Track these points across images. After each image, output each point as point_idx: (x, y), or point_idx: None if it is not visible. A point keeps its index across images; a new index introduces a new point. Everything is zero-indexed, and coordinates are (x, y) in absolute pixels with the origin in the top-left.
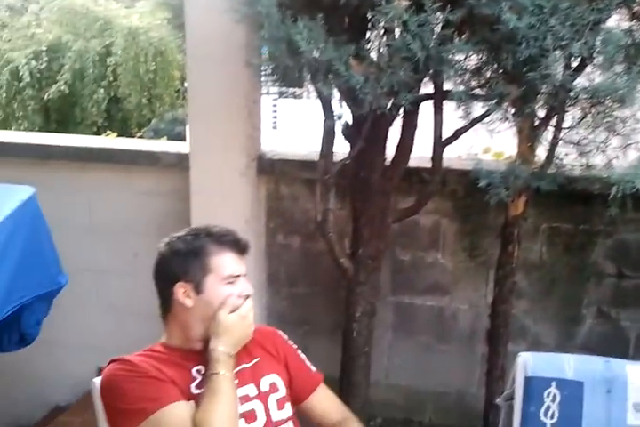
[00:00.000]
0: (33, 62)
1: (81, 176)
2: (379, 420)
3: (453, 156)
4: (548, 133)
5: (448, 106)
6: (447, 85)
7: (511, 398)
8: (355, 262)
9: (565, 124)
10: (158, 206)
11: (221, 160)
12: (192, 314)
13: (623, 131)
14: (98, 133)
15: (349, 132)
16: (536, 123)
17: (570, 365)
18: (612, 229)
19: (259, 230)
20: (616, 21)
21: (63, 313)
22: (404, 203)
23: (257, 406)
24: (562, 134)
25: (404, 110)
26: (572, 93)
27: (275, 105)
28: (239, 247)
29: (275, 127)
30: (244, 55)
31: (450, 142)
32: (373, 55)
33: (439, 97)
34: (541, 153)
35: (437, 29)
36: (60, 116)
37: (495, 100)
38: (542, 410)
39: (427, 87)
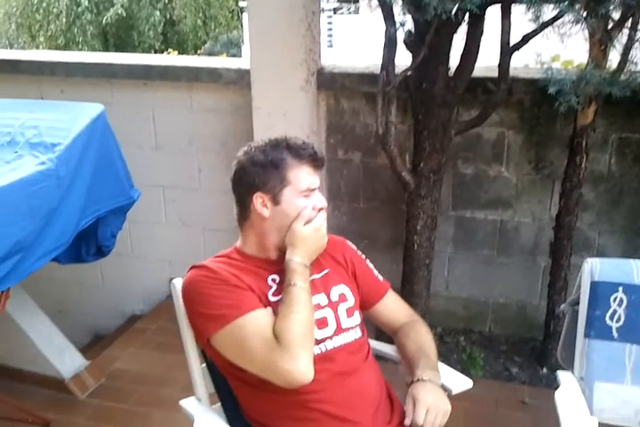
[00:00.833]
0: None
1: (144, 94)
2: (439, 329)
3: (520, 65)
4: (623, 36)
5: (517, 9)
6: None
7: (576, 303)
8: (416, 176)
9: None
10: (220, 123)
11: (282, 75)
12: (268, 223)
13: None
14: None
15: (412, 41)
16: (610, 25)
17: (638, 270)
18: None
19: (319, 146)
20: None
21: (136, 228)
22: (467, 115)
23: (328, 313)
24: (637, 37)
25: (470, 15)
26: None
27: (330, 23)
28: (317, 161)
29: (330, 46)
30: None
31: (518, 48)
32: None
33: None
34: (614, 58)
35: None
36: (118, 40)
37: (567, 2)
38: (608, 314)
39: None
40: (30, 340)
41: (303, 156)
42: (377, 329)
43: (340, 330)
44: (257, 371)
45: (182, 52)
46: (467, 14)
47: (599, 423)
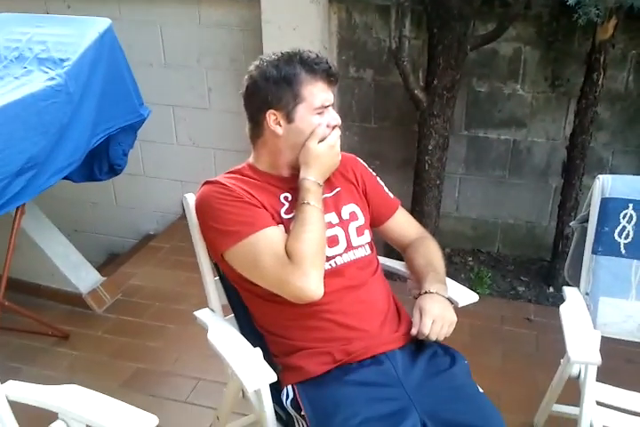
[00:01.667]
0: None
1: (152, 9)
2: (447, 250)
3: None
4: None
5: None
6: None
7: (586, 220)
8: (429, 94)
9: None
10: (229, 39)
11: None
12: (282, 141)
13: None
14: None
15: None
16: None
17: None
18: None
19: (331, 62)
20: None
21: (147, 148)
22: (483, 29)
23: (338, 232)
24: None
25: None
26: None
27: None
28: (331, 76)
29: None
30: None
31: None
32: None
33: None
34: None
35: None
36: None
37: None
38: (617, 230)
39: None
40: (47, 256)
41: (317, 71)
42: (386, 247)
43: (350, 248)
44: (268, 286)
45: None
46: None
47: (602, 337)
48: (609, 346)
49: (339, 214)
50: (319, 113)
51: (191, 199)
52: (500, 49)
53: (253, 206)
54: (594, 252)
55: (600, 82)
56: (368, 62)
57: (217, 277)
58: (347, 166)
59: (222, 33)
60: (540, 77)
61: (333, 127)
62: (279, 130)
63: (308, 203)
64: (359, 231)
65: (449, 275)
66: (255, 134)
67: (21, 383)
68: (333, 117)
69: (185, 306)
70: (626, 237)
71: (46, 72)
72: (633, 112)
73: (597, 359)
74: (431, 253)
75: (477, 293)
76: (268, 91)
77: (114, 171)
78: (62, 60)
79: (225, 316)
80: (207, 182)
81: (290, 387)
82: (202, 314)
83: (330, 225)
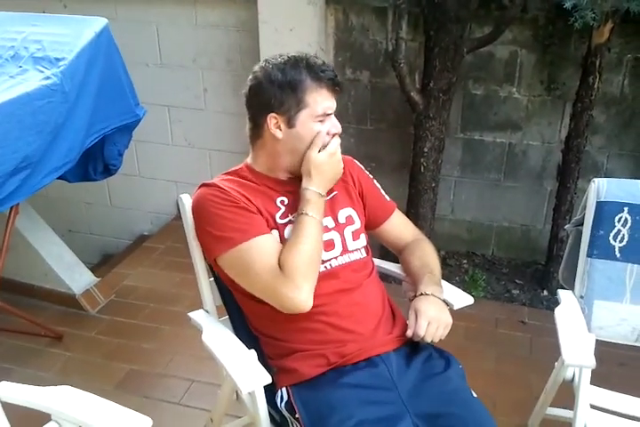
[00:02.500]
0: None
1: (148, 9)
2: (442, 253)
3: None
4: None
5: None
6: None
7: (581, 223)
8: (425, 96)
9: None
10: (226, 40)
11: None
12: (281, 145)
13: None
14: None
15: None
16: None
17: None
18: None
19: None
20: None
21: (143, 148)
22: (480, 32)
23: (334, 236)
24: None
25: None
26: None
27: None
28: (336, 85)
29: None
30: None
31: None
32: None
33: None
34: None
35: None
36: None
37: None
38: (612, 234)
39: None
40: (41, 256)
41: (323, 78)
42: (382, 250)
43: (345, 251)
44: (258, 294)
45: None
46: None
47: (597, 340)
48: (602, 350)
49: (335, 218)
50: (320, 120)
51: (187, 200)
52: (496, 52)
53: (249, 212)
54: (589, 255)
55: (596, 85)
56: (364, 64)
57: (212, 279)
58: (344, 168)
59: (218, 33)
60: (536, 81)
61: (333, 135)
62: (279, 134)
63: (307, 214)
64: (355, 235)
65: (443, 277)
66: (255, 135)
67: (14, 384)
68: (334, 125)
69: (179, 307)
70: (621, 241)
71: (42, 71)
72: (628, 116)
73: (592, 362)
74: (427, 256)
75: (472, 295)
76: (272, 94)
77: (109, 171)
78: (58, 60)
79: (219, 317)
80: (204, 185)
81: (284, 389)
82: (196, 315)
83: (326, 229)
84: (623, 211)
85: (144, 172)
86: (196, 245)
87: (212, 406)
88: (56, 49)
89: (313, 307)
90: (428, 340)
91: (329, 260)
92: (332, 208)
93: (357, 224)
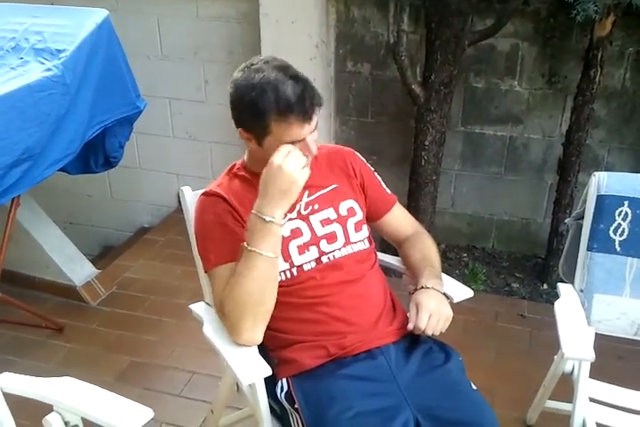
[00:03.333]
0: None
1: (149, 1)
2: (442, 246)
3: None
4: None
5: None
6: None
7: (581, 217)
8: (426, 89)
9: None
10: (227, 32)
11: None
12: (257, 152)
13: None
14: None
15: None
16: None
17: None
18: None
19: (328, 56)
20: None
21: (143, 140)
22: (481, 25)
23: (337, 228)
24: None
25: None
26: None
27: None
28: (306, 114)
29: None
30: None
31: None
32: None
33: None
34: None
35: None
36: None
37: None
38: (612, 228)
39: None
40: (41, 248)
41: (291, 113)
42: (382, 243)
43: (348, 242)
44: None
45: None
46: None
47: (596, 334)
48: (601, 343)
49: (337, 210)
50: (292, 142)
51: (188, 192)
52: (497, 45)
53: (229, 234)
54: (589, 249)
55: (597, 79)
56: (366, 56)
57: None
58: (345, 160)
59: (220, 25)
60: (537, 74)
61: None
62: (251, 145)
63: (246, 247)
64: (357, 227)
65: (444, 271)
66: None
67: (16, 375)
68: (307, 148)
69: (180, 299)
70: (621, 235)
71: (43, 63)
72: (629, 110)
73: (591, 356)
74: (427, 249)
75: (471, 289)
76: (240, 113)
77: (109, 163)
78: (59, 51)
79: None
80: (205, 194)
81: (284, 380)
82: (197, 308)
83: (328, 221)
84: (623, 205)
85: (145, 164)
86: None
87: (212, 398)
88: (57, 40)
89: (316, 298)
90: (429, 333)
91: (332, 251)
92: (333, 200)
93: (359, 216)
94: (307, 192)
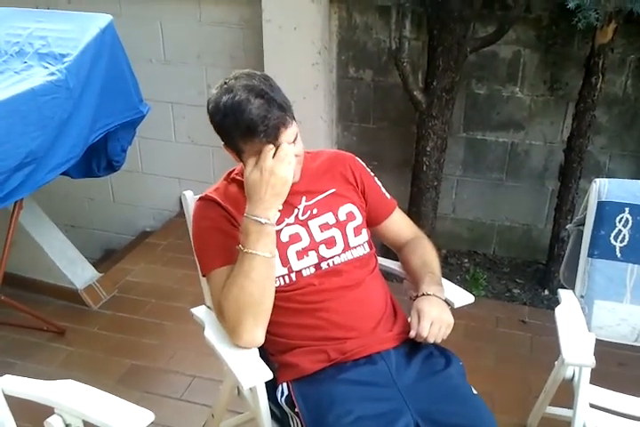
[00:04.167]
0: None
1: (152, 5)
2: (443, 251)
3: None
4: None
5: None
6: None
7: (582, 223)
8: (428, 95)
9: None
10: (229, 37)
11: None
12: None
13: None
14: None
15: None
16: None
17: None
18: None
19: (331, 62)
20: None
21: (146, 145)
22: (483, 32)
23: (335, 233)
24: None
25: None
26: None
27: None
28: (270, 136)
29: None
30: None
31: None
32: None
33: None
34: None
35: None
36: None
37: None
38: (613, 234)
39: None
40: (43, 251)
41: (254, 136)
42: (382, 248)
43: (347, 248)
44: None
45: None
46: None
47: (596, 340)
48: (601, 349)
49: (336, 215)
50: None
51: (190, 196)
52: (499, 52)
53: (225, 238)
54: (589, 255)
55: (598, 86)
56: (368, 63)
57: None
58: (345, 165)
59: (222, 31)
60: (539, 80)
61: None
62: (236, 158)
63: (241, 249)
64: (357, 231)
65: (445, 276)
66: None
67: (18, 378)
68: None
69: (181, 303)
70: (621, 241)
71: (47, 67)
72: (630, 116)
73: (591, 362)
74: (427, 255)
75: (473, 294)
76: (217, 129)
77: (112, 167)
78: (63, 56)
79: None
80: (201, 198)
81: (285, 384)
82: (198, 311)
83: (327, 226)
84: (624, 211)
85: (147, 168)
86: None
87: (213, 401)
88: (61, 45)
89: (316, 303)
90: (431, 340)
91: (331, 257)
92: (332, 205)
93: (359, 220)
94: (304, 197)
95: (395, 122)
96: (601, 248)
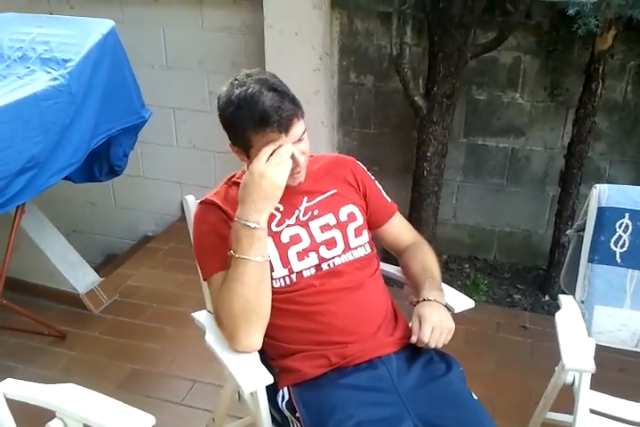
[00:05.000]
0: None
1: (155, 11)
2: (444, 257)
3: None
4: None
5: None
6: None
7: (582, 229)
8: (429, 101)
9: None
10: (231, 42)
11: None
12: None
13: None
14: None
15: None
16: None
17: None
18: None
19: (332, 68)
20: None
21: (147, 149)
22: (484, 38)
23: (336, 234)
24: None
25: None
26: None
27: None
28: (282, 126)
29: None
30: None
31: None
32: None
33: None
34: None
35: None
36: None
37: None
38: (613, 240)
39: None
40: (45, 256)
41: (266, 125)
42: (383, 254)
43: (348, 249)
44: None
45: None
46: None
47: (597, 345)
48: (602, 355)
49: (336, 216)
50: None
51: (191, 201)
52: (499, 58)
53: (224, 241)
54: (590, 260)
55: (599, 92)
56: (369, 68)
57: None
58: (347, 168)
59: (224, 36)
60: (539, 86)
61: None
62: (242, 158)
63: (233, 254)
64: (357, 232)
65: (445, 281)
66: None
67: (19, 382)
68: (294, 161)
69: (183, 308)
70: (622, 247)
71: (49, 72)
72: (631, 122)
73: (592, 367)
74: (428, 260)
75: (473, 300)
76: (226, 127)
77: (114, 172)
78: (65, 61)
79: None
80: (201, 202)
81: (285, 389)
82: (199, 316)
83: (328, 227)
84: (624, 217)
85: (149, 173)
86: None
87: (214, 406)
88: (63, 50)
89: (316, 305)
90: (432, 346)
91: (332, 258)
92: (332, 206)
93: (360, 221)
94: (305, 198)
95: (395, 127)
96: (601, 254)
